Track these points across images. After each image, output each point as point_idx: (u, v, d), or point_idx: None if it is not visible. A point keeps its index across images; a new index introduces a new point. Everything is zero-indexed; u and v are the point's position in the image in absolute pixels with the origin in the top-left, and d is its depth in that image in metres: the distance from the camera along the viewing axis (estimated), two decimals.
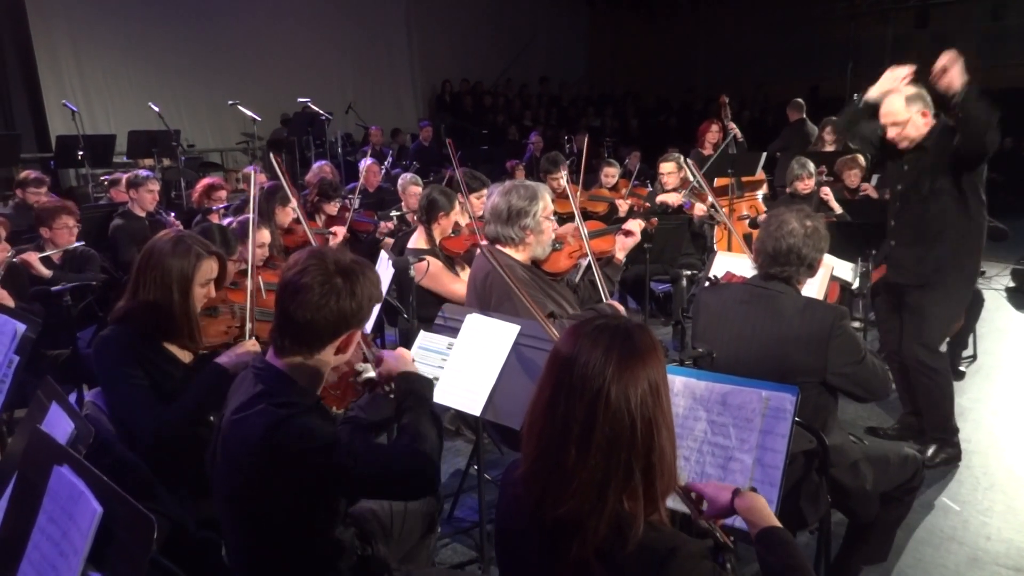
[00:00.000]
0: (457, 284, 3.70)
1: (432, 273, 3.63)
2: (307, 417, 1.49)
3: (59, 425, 1.79)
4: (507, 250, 2.88)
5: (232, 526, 1.61)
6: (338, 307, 1.53)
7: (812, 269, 2.33)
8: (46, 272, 3.88)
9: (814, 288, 3.07)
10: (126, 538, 1.18)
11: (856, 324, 3.71)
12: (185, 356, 2.27)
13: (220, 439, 1.56)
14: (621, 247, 3.19)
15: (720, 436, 1.89)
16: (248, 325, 2.44)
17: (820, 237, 2.30)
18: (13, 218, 4.63)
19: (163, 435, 2.06)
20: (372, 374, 1.91)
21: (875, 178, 6.65)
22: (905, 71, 3.26)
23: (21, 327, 2.45)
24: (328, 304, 1.52)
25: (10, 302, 3.16)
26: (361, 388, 1.93)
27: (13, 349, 2.43)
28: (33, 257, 3.82)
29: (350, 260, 1.60)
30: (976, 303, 4.43)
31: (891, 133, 3.28)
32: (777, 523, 1.39)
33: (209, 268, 2.25)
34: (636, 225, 3.20)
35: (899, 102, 3.21)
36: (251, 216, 2.69)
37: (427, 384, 1.81)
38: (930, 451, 3.37)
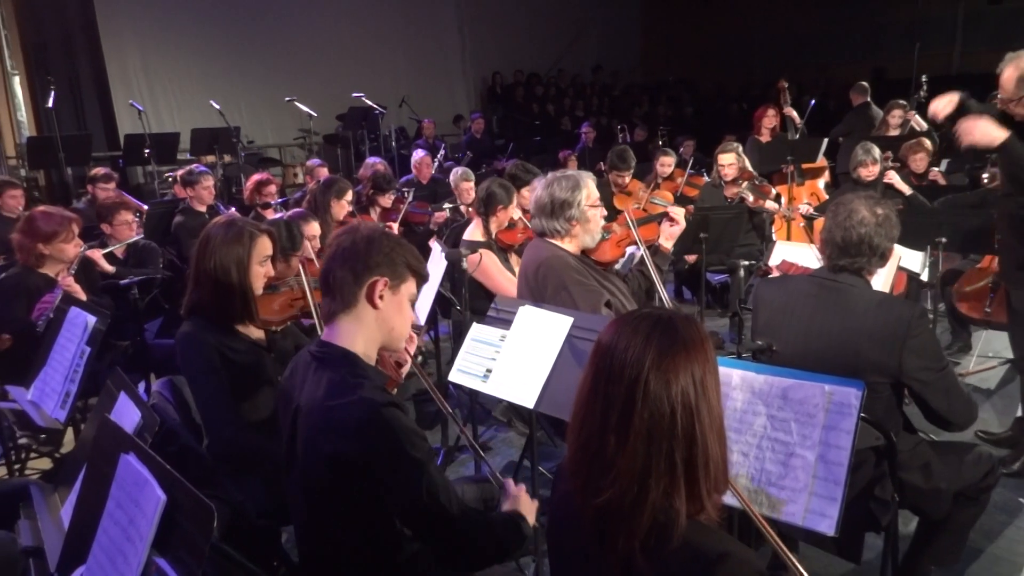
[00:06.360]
0: (505, 280, 3.70)
1: (483, 266, 3.64)
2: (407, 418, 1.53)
3: (127, 414, 1.86)
4: (556, 242, 2.85)
5: (304, 508, 1.64)
6: (353, 250, 1.62)
7: (884, 259, 2.22)
8: (109, 268, 4.01)
9: (880, 278, 2.92)
10: (188, 525, 1.21)
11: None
12: (255, 333, 2.35)
13: (301, 426, 1.59)
14: (667, 236, 3.14)
15: (781, 432, 1.83)
16: (309, 293, 2.54)
17: (892, 225, 2.18)
18: (87, 213, 4.82)
19: (234, 445, 2.15)
20: (408, 367, 1.98)
21: (944, 163, 6.32)
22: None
23: (92, 319, 2.56)
24: (343, 249, 1.63)
25: (82, 295, 3.30)
26: (400, 379, 1.99)
27: (85, 340, 2.54)
28: (97, 254, 3.96)
29: (376, 229, 1.71)
30: None
31: (1000, 106, 2.91)
32: None
33: (264, 246, 2.32)
34: (679, 213, 3.14)
35: (1011, 78, 2.77)
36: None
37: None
38: (1017, 464, 3.12)
